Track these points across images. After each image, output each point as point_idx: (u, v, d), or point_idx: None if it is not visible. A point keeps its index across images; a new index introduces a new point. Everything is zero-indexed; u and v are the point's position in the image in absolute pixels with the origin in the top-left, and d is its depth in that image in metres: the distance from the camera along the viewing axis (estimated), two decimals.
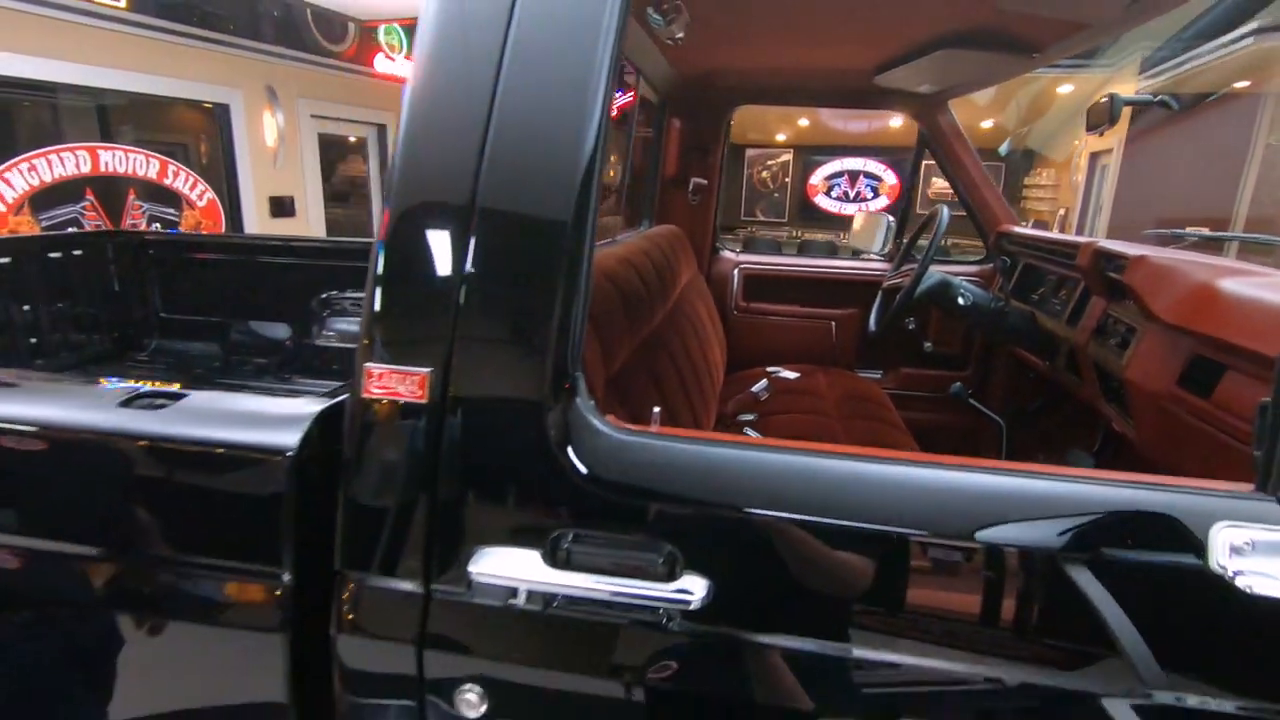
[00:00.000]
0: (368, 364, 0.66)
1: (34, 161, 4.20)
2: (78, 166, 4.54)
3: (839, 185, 11.43)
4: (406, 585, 0.67)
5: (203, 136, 5.44)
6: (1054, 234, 1.95)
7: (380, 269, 0.67)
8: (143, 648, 0.77)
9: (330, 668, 0.71)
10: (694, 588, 0.61)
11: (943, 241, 1.80)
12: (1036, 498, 0.59)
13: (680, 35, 1.52)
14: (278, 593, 0.70)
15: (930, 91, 2.19)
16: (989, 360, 2.34)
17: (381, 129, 7.27)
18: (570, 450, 0.64)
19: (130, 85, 4.78)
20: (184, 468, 0.73)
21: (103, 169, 4.67)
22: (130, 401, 0.76)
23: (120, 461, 0.73)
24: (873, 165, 11.45)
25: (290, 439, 0.69)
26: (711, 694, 0.65)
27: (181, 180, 5.16)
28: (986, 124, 9.79)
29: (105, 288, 2.39)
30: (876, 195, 11.61)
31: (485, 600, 0.65)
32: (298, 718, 0.73)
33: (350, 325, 2.48)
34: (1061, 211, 8.28)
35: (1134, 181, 6.23)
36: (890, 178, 11.44)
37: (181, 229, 5.18)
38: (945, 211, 1.91)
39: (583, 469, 0.64)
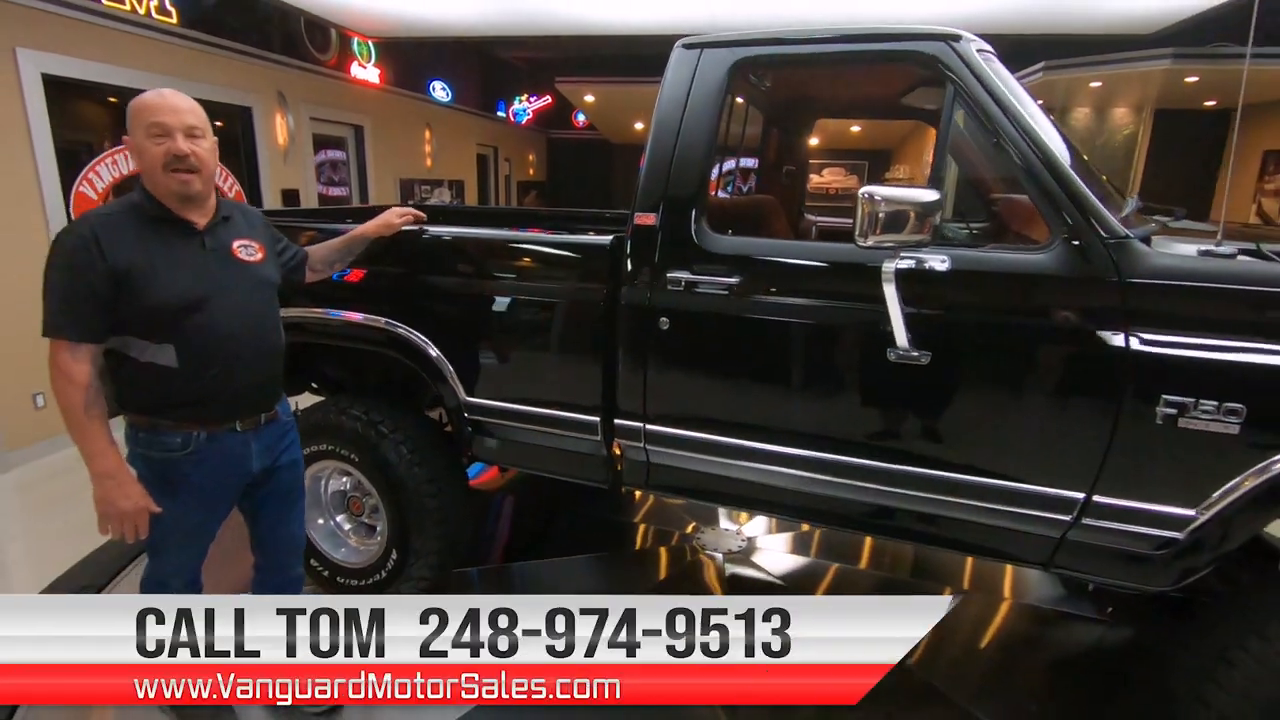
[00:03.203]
0: (637, 213, 2.17)
1: (115, 156, 4.79)
2: None
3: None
4: (646, 283, 2.17)
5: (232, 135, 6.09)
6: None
7: (640, 189, 2.17)
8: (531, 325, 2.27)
9: (617, 324, 2.19)
10: (734, 279, 2.12)
11: None
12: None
13: (769, 85, 2.97)
14: (618, 294, 2.22)
15: (935, 107, 3.49)
16: None
17: (359, 129, 8.05)
18: (698, 238, 2.13)
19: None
20: (567, 253, 2.23)
21: None
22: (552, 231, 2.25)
23: (536, 254, 2.24)
24: (746, 161, 14.23)
25: (607, 242, 2.20)
26: (733, 316, 2.18)
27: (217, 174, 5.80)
28: (855, 129, 11.91)
29: None
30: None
31: (670, 286, 2.13)
32: (602, 359, 2.21)
33: None
34: None
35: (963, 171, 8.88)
36: None
37: None
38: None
39: (702, 245, 2.12)
